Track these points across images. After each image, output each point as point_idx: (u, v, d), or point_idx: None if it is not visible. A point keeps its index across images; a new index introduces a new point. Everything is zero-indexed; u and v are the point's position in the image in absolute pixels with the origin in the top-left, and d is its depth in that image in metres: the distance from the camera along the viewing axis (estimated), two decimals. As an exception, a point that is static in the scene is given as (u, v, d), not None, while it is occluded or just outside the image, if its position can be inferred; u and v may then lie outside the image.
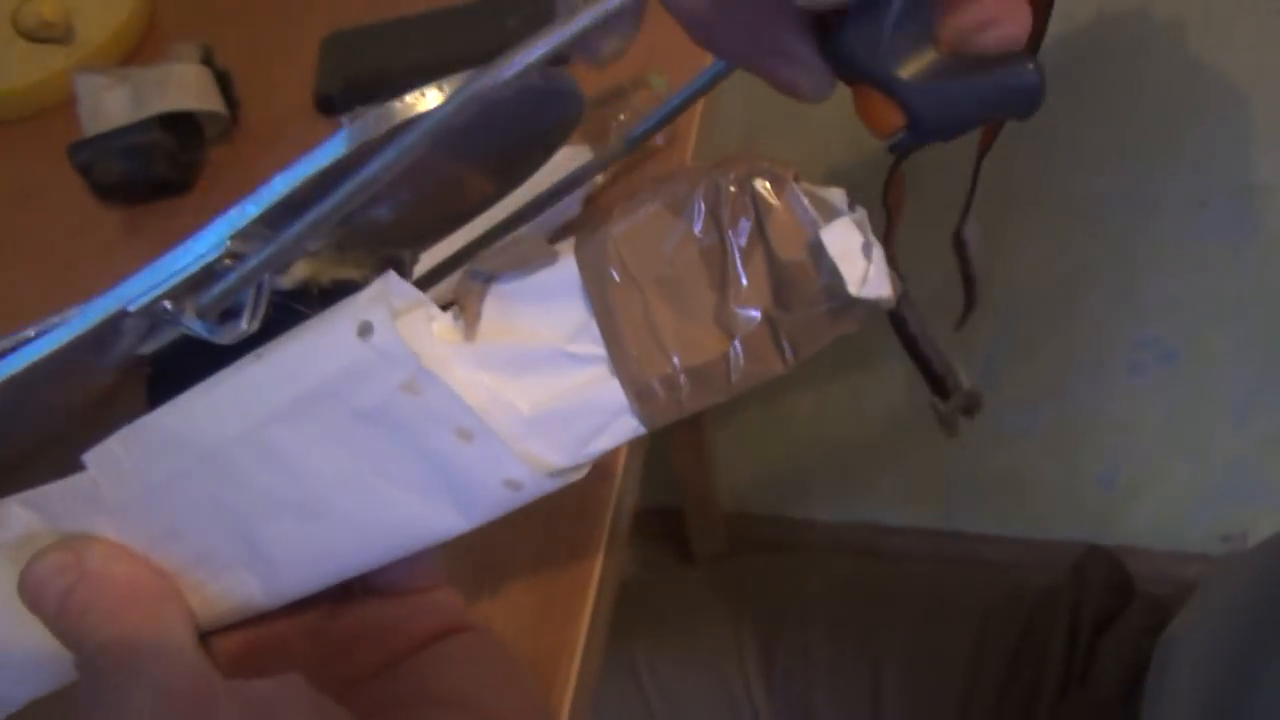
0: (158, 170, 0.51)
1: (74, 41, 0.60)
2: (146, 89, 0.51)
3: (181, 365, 0.23)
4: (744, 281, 0.20)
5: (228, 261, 0.21)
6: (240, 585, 0.23)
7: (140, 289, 0.21)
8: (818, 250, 0.19)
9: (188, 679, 0.20)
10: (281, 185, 0.20)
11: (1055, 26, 0.63)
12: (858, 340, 0.22)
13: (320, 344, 0.20)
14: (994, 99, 0.19)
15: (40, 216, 0.55)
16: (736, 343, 0.20)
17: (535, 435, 0.21)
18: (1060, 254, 0.82)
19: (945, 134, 0.20)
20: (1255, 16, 0.64)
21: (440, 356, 0.20)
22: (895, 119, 0.20)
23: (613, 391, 0.21)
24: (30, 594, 0.22)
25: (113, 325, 0.21)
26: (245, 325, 0.22)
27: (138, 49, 0.62)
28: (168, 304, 0.21)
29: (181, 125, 0.52)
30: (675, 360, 0.20)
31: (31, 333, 0.23)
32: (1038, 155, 0.75)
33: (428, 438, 0.20)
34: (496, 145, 0.25)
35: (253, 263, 0.21)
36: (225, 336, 0.22)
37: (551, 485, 0.21)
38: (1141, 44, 0.66)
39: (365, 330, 0.20)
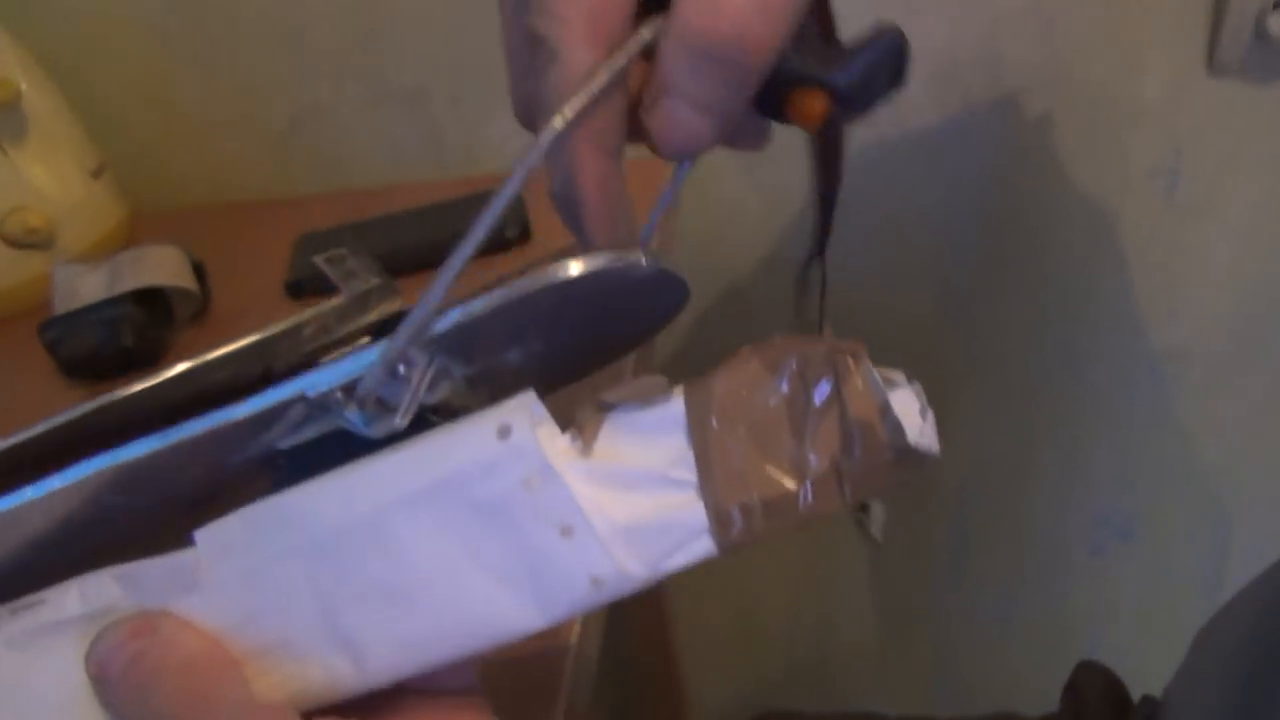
0: (126, 342, 0.53)
1: (54, 248, 0.63)
2: (122, 268, 0.54)
3: (308, 463, 0.24)
4: (818, 434, 0.24)
5: (402, 367, 0.23)
6: (326, 670, 0.24)
7: (325, 380, 0.23)
8: (885, 410, 0.24)
9: None
10: (480, 305, 0.23)
11: (970, 206, 0.70)
12: (825, 538, 0.24)
13: (460, 439, 0.23)
14: (885, 63, 0.25)
15: (3, 398, 0.56)
16: (808, 483, 0.24)
17: (623, 544, 0.23)
18: (1004, 434, 0.85)
19: (865, 104, 0.26)
20: (1146, 185, 0.72)
21: (559, 465, 0.23)
22: (822, 104, 0.25)
23: (697, 514, 0.24)
24: (101, 656, 0.23)
25: (279, 411, 0.23)
26: (399, 421, 0.24)
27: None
28: (340, 394, 0.23)
29: (153, 303, 0.54)
30: (754, 494, 0.24)
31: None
32: (966, 336, 0.80)
33: (533, 532, 0.23)
34: (611, 324, 0.29)
35: (420, 368, 0.24)
36: (378, 430, 0.24)
37: (628, 587, 0.24)
38: (1056, 214, 0.73)
39: (505, 432, 0.23)
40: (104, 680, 0.23)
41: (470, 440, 0.23)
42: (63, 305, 0.54)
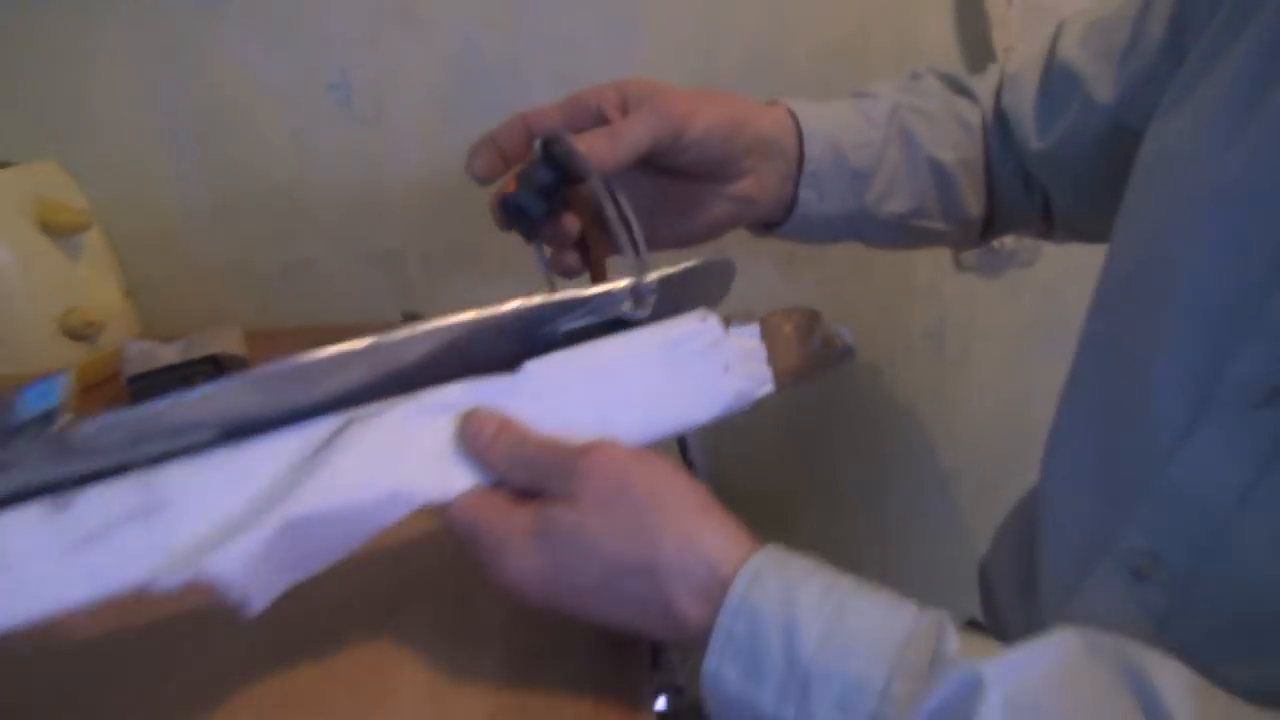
0: (198, 393, 0.67)
1: (97, 341, 0.77)
2: (196, 342, 0.70)
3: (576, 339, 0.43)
4: (808, 341, 0.48)
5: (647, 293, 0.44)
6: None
7: (622, 292, 0.43)
8: (836, 330, 0.49)
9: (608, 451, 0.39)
10: (672, 270, 0.45)
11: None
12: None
13: (681, 321, 0.44)
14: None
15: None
16: (806, 359, 0.48)
17: (743, 380, 0.45)
18: (831, 546, 1.08)
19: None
20: (921, 344, 1.00)
21: (725, 337, 0.45)
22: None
23: (766, 372, 0.47)
24: (475, 427, 0.39)
25: (596, 301, 0.42)
26: (645, 313, 0.44)
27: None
28: (629, 295, 0.43)
29: (216, 366, 0.69)
30: (785, 364, 0.47)
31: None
32: (804, 461, 1.04)
33: (712, 368, 0.44)
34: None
35: (648, 295, 0.44)
36: (640, 315, 0.44)
37: (745, 402, 0.45)
38: (863, 365, 1.00)
39: (704, 317, 0.44)
40: (478, 438, 0.39)
41: (688, 322, 0.44)
42: (139, 369, 0.68)
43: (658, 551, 0.36)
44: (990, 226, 0.66)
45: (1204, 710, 0.31)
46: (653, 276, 0.43)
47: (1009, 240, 0.95)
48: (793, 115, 0.58)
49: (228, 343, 0.71)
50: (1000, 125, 0.62)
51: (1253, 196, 0.40)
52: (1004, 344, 1.01)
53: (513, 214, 0.49)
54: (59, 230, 0.74)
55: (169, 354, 0.69)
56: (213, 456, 0.35)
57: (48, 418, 0.36)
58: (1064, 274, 0.97)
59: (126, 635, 0.46)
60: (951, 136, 0.62)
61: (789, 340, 0.47)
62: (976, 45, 0.89)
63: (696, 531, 0.37)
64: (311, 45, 0.86)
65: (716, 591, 0.36)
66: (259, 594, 0.35)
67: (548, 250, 0.54)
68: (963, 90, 0.64)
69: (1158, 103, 0.49)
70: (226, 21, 0.84)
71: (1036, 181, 0.62)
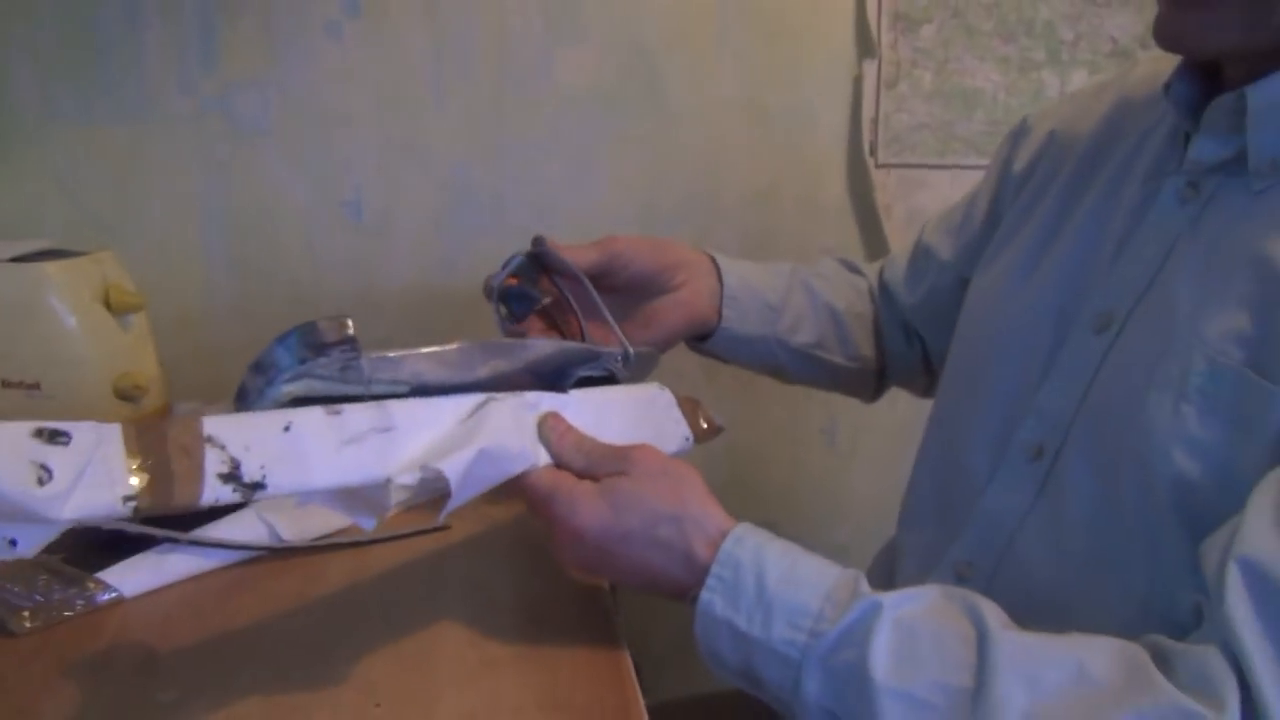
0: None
1: (141, 403, 0.91)
2: (239, 403, 0.85)
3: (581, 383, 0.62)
4: (698, 416, 0.68)
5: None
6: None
7: (617, 354, 0.65)
8: (711, 415, 0.69)
9: (650, 449, 0.57)
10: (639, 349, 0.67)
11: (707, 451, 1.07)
12: None
13: (645, 388, 0.65)
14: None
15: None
16: (701, 425, 0.68)
17: (683, 430, 0.65)
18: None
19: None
20: (818, 438, 1.21)
21: (672, 398, 0.65)
22: None
23: (689, 430, 0.66)
24: (552, 425, 0.57)
25: (602, 356, 0.63)
26: (624, 374, 0.65)
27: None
28: (621, 359, 0.65)
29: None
30: (693, 426, 0.67)
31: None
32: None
33: (669, 420, 0.64)
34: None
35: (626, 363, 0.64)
36: (624, 374, 0.65)
37: (688, 447, 0.65)
38: (764, 458, 1.20)
39: (662, 389, 0.65)
40: (554, 431, 0.56)
41: (653, 388, 0.64)
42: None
43: (686, 507, 0.54)
44: (882, 379, 0.87)
45: (1005, 622, 0.49)
46: (635, 349, 0.63)
47: (888, 355, 1.18)
48: (711, 257, 0.78)
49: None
50: (883, 293, 0.85)
51: (1035, 320, 0.62)
52: (884, 439, 1.22)
53: (516, 300, 0.68)
54: (119, 309, 0.90)
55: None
56: (416, 403, 0.52)
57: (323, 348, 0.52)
58: (931, 384, 1.20)
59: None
60: (844, 293, 0.83)
61: (690, 414, 0.66)
62: (863, 200, 1.13)
63: (707, 501, 0.55)
64: (332, 169, 1.04)
65: (719, 541, 0.53)
66: (461, 494, 0.51)
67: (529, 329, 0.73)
68: (853, 269, 0.87)
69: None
70: (264, 146, 1.03)
71: (914, 332, 0.84)
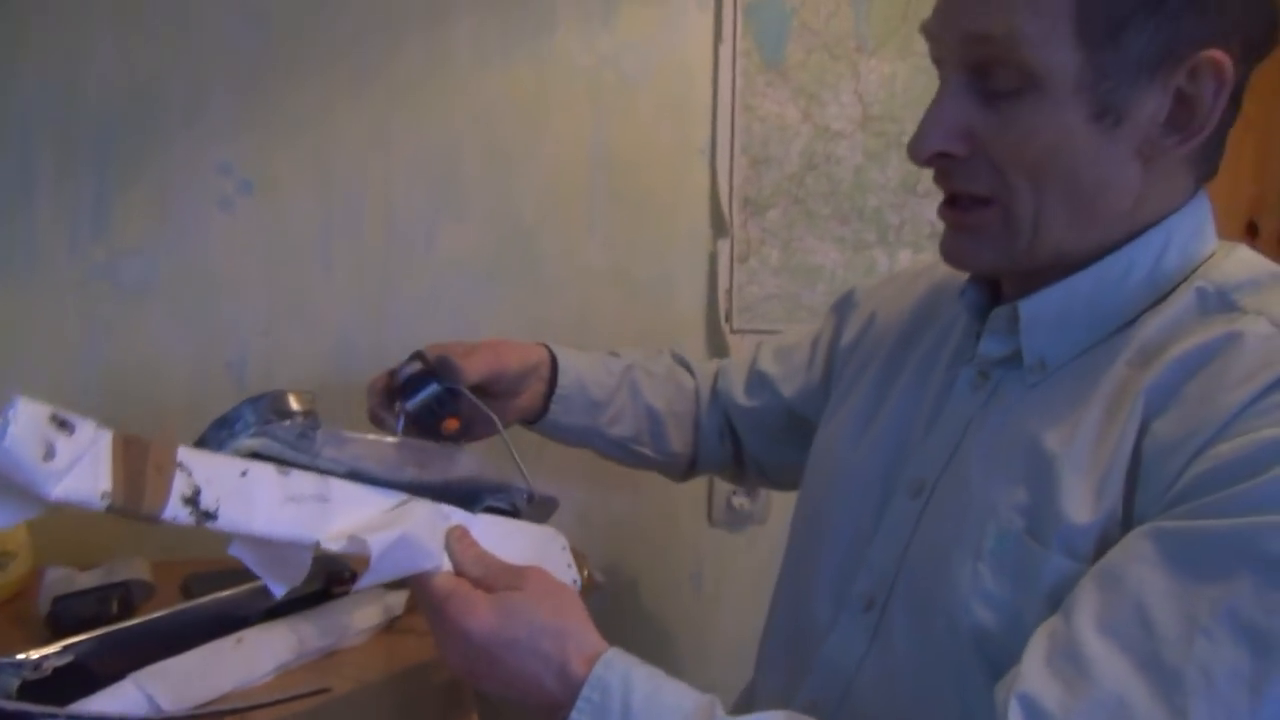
0: (115, 608, 0.83)
1: (9, 568, 0.90)
2: (118, 567, 0.86)
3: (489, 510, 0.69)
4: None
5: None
6: None
7: (521, 493, 0.72)
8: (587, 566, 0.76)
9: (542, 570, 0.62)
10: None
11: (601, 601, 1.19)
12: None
13: (541, 529, 0.71)
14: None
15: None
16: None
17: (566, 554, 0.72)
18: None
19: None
20: (686, 584, 1.27)
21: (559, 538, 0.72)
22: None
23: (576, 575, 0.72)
24: (455, 537, 0.62)
25: (504, 490, 0.70)
26: (524, 509, 0.72)
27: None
28: (525, 499, 0.72)
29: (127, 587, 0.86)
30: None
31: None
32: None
33: (560, 560, 0.71)
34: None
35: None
36: (524, 510, 0.72)
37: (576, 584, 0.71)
38: (632, 608, 1.25)
39: (558, 533, 0.72)
40: (461, 543, 0.61)
41: (547, 531, 0.71)
42: (61, 590, 0.83)
43: (568, 625, 0.59)
44: (693, 467, 0.97)
45: None
46: (538, 494, 0.72)
47: (746, 503, 1.27)
48: (551, 356, 0.86)
49: (138, 570, 0.88)
50: (713, 396, 0.95)
51: (865, 480, 0.71)
52: (746, 583, 1.30)
53: (422, 415, 0.72)
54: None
55: (87, 579, 0.85)
56: (351, 486, 0.60)
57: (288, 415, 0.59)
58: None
59: None
60: (666, 394, 0.93)
61: (579, 563, 0.73)
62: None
63: (587, 624, 0.61)
64: (217, 330, 1.08)
65: (593, 660, 0.58)
66: (376, 570, 0.56)
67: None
68: (685, 366, 0.98)
69: (820, 406, 0.82)
70: (146, 309, 1.06)
71: (730, 432, 0.94)
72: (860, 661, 0.66)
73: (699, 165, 1.20)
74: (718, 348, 1.23)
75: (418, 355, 0.76)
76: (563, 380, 0.86)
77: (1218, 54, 0.55)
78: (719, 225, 1.21)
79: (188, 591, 0.91)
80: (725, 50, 1.18)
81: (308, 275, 1.10)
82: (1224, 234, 0.63)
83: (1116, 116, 0.56)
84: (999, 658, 0.56)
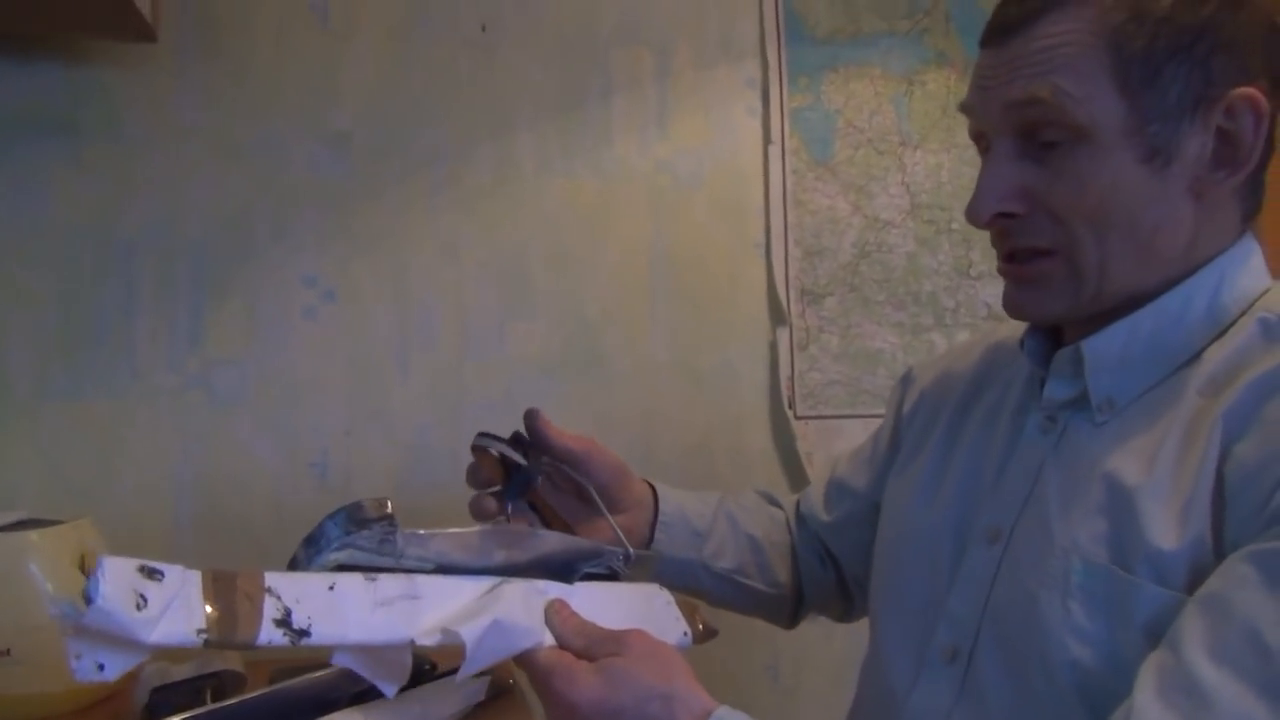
0: (209, 698, 0.85)
1: (106, 665, 0.93)
2: (211, 661, 0.88)
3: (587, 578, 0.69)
4: (696, 617, 0.74)
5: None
6: None
7: (619, 554, 0.73)
8: (704, 618, 0.76)
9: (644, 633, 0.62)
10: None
11: None
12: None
13: (644, 588, 0.72)
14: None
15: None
16: (698, 626, 0.74)
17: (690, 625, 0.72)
18: None
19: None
20: (762, 675, 1.25)
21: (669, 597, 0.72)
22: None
23: (687, 627, 0.73)
24: (553, 610, 0.62)
25: (606, 554, 0.71)
26: (626, 571, 0.73)
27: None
28: (623, 559, 0.73)
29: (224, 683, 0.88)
30: (692, 623, 0.74)
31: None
32: None
33: (669, 616, 0.70)
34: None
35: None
36: (624, 572, 0.73)
37: (686, 639, 0.71)
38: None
39: (660, 590, 0.72)
40: (559, 616, 0.61)
41: (648, 589, 0.71)
42: (158, 683, 0.86)
43: (674, 687, 0.59)
44: (799, 604, 0.94)
45: None
46: (635, 552, 0.73)
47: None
48: (652, 486, 0.87)
49: (231, 663, 0.90)
50: (800, 523, 0.94)
51: (937, 536, 0.71)
52: (825, 675, 1.27)
53: (520, 488, 0.75)
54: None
55: (181, 672, 0.87)
56: (440, 578, 0.60)
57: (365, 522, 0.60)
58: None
59: None
60: (762, 523, 0.92)
61: (689, 614, 0.73)
62: (786, 449, 1.25)
63: (693, 683, 0.60)
64: (300, 433, 1.13)
65: (703, 717, 0.58)
66: (474, 660, 0.56)
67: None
68: (772, 501, 0.97)
69: None
70: (236, 416, 1.12)
71: (829, 555, 0.93)
72: (948, 715, 0.66)
73: (755, 259, 1.24)
74: (783, 435, 1.24)
75: (515, 438, 0.79)
76: (664, 507, 0.86)
77: (1250, 90, 0.58)
78: (778, 315, 1.24)
79: (276, 682, 0.92)
80: (775, 151, 1.25)
81: (385, 378, 1.16)
82: (1277, 273, 0.65)
83: (1166, 157, 0.59)
84: (1099, 698, 0.55)
